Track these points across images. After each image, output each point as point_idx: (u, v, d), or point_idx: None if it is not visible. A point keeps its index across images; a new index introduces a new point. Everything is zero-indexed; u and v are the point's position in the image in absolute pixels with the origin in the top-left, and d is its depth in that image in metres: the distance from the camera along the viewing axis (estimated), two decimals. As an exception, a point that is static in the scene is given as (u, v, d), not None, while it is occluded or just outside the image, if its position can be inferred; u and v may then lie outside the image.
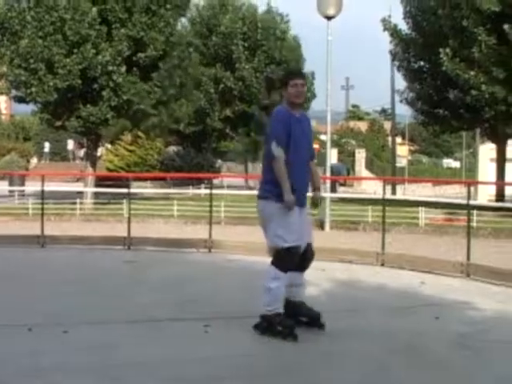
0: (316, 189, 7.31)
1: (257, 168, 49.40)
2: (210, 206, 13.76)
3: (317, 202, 7.34)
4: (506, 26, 27.29)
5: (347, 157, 69.76)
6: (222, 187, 39.44)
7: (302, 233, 6.82)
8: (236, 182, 45.11)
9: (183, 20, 39.41)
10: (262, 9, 45.83)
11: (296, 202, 6.73)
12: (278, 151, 6.71)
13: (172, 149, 51.36)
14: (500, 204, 29.08)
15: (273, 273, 6.69)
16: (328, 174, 24.41)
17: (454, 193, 39.00)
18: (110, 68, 28.65)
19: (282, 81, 7.09)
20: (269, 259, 6.89)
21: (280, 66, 44.06)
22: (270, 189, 6.79)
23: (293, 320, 6.73)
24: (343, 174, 43.76)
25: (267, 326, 6.70)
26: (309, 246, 7.01)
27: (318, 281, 9.85)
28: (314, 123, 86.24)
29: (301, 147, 6.88)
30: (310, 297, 8.82)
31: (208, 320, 7.24)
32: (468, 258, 10.73)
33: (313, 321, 7.00)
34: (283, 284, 6.71)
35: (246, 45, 44.08)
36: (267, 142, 6.95)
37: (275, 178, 6.77)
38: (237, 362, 5.90)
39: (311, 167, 7.21)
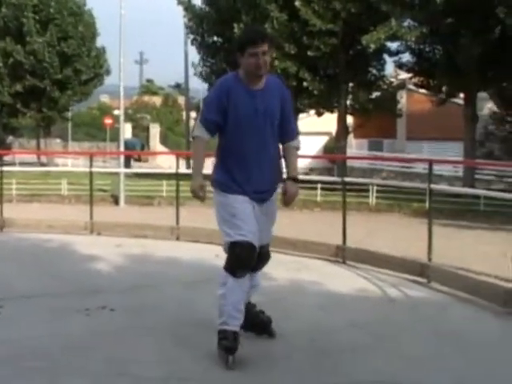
0: (289, 178, 5.64)
1: (51, 144, 48.23)
2: (1, 184, 13.29)
3: (288, 200, 5.60)
4: (297, 3, 27.98)
5: (142, 132, 69.44)
6: (13, 164, 38.23)
7: (256, 230, 5.42)
8: (28, 159, 43.86)
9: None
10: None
11: (250, 197, 5.47)
12: (197, 130, 5.49)
13: (-40, 125, 49.19)
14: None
15: (221, 277, 5.46)
16: (122, 149, 24.25)
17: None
18: None
19: (237, 46, 5.41)
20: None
21: (74, 40, 43.11)
22: (215, 177, 5.66)
23: (235, 344, 5.32)
24: (137, 148, 43.57)
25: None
26: (265, 246, 5.72)
27: (113, 257, 9.77)
28: (107, 98, 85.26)
29: (254, 130, 5.43)
30: (104, 274, 8.76)
31: (1, 301, 6.99)
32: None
33: (262, 327, 5.93)
34: (234, 293, 5.38)
35: (37, 18, 42.75)
36: None
37: (219, 163, 5.62)
38: (33, 343, 5.73)
39: (288, 152, 5.71)
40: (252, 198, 5.50)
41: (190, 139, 5.62)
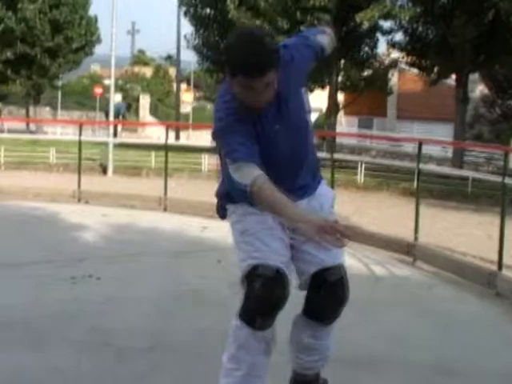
0: None
1: (40, 112, 48.01)
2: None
3: None
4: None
5: (132, 102, 69.13)
6: (2, 131, 38.06)
7: (286, 249, 3.56)
8: (17, 126, 43.68)
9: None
10: None
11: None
12: (240, 175, 3.33)
13: None
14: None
15: (231, 333, 3.56)
16: (111, 118, 24.21)
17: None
18: None
19: (225, 63, 3.39)
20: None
21: (66, 7, 42.68)
22: (220, 190, 3.79)
23: None
24: (122, 111, 43.21)
25: None
26: (334, 270, 3.61)
27: (100, 226, 9.76)
28: (97, 67, 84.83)
29: (280, 148, 3.52)
30: (91, 243, 8.74)
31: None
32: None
33: None
34: (250, 353, 3.51)
35: (29, -16, 42.40)
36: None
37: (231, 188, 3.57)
38: (17, 311, 5.73)
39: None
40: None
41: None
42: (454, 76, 29.94)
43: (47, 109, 60.15)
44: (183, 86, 55.42)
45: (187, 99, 67.54)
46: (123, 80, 79.36)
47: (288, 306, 3.49)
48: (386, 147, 38.43)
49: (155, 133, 40.64)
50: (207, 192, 16.13)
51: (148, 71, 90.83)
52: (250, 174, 3.29)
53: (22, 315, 5.61)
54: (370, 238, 9.26)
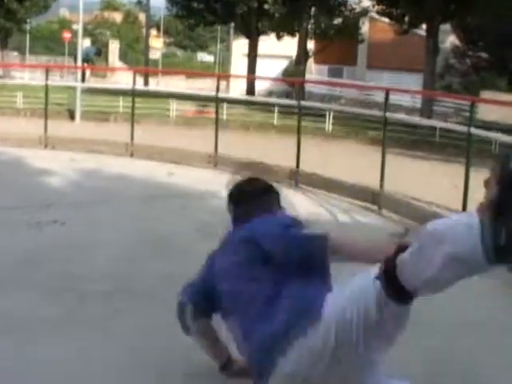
0: None
1: (8, 57, 47.34)
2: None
3: None
4: None
5: (101, 47, 68.45)
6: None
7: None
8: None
9: None
10: None
11: None
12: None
13: None
14: (249, 98, 29.67)
15: None
16: (79, 63, 23.99)
17: (207, 86, 39.17)
18: None
19: None
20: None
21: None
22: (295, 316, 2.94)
23: None
24: (91, 56, 42.66)
25: None
26: None
27: (66, 171, 9.70)
28: (66, 12, 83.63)
29: None
30: (57, 188, 8.70)
31: None
32: (216, 150, 10.95)
33: None
34: None
35: None
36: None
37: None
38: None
39: None
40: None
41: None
42: (424, 26, 29.90)
43: (15, 53, 59.38)
44: (153, 31, 54.93)
45: (157, 45, 66.89)
46: (92, 25, 78.52)
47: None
48: (355, 96, 38.41)
49: (124, 78, 40.11)
50: (174, 138, 16.13)
51: (118, 16, 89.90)
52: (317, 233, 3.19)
53: (-14, 259, 5.60)
54: (336, 187, 9.31)
